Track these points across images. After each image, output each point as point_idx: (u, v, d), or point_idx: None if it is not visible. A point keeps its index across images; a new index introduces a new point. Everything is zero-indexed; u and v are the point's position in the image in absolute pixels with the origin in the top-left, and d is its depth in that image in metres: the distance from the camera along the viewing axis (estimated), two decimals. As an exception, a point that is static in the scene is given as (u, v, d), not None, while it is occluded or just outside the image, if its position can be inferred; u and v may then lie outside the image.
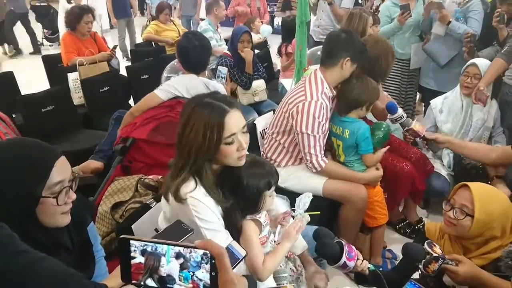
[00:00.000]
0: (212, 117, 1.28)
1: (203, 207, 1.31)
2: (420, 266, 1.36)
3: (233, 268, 0.99)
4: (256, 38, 4.79)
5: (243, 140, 1.34)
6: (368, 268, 1.40)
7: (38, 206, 1.03)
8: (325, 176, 2.21)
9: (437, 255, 1.36)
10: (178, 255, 0.67)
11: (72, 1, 5.08)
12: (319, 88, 2.14)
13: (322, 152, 2.16)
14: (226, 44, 4.23)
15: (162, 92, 2.24)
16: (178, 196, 1.32)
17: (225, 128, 1.29)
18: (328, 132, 2.24)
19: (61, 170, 1.06)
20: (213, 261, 0.65)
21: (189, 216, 1.31)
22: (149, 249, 0.67)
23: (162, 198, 1.45)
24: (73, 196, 1.11)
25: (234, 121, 1.31)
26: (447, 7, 3.36)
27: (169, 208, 1.40)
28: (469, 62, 2.74)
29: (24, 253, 0.86)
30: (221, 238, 1.34)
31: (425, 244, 1.39)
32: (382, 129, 2.28)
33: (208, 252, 0.65)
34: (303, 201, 1.57)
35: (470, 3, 3.31)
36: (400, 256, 2.47)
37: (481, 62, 2.70)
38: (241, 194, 1.38)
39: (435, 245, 1.40)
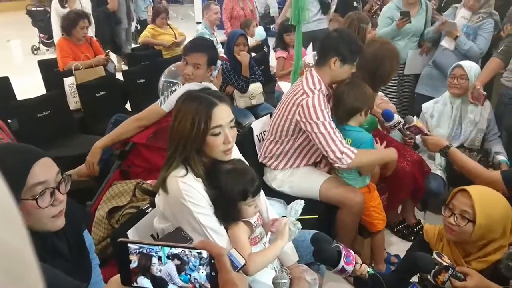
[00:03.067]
0: (200, 108, 1.35)
1: (194, 192, 1.34)
2: (430, 277, 1.34)
3: None
4: (252, 41, 4.79)
5: (229, 134, 1.38)
6: (368, 272, 1.39)
7: (21, 210, 1.00)
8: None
9: (447, 264, 1.34)
10: (175, 257, 0.66)
11: (66, 5, 5.06)
12: (316, 85, 2.14)
13: (344, 142, 2.02)
14: (222, 48, 4.23)
15: (167, 106, 2.19)
16: (165, 184, 1.36)
17: (212, 119, 1.34)
18: None
19: (42, 171, 1.03)
20: (212, 261, 0.65)
21: (180, 202, 1.33)
22: (145, 251, 0.67)
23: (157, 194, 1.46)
24: (61, 197, 1.07)
25: (222, 113, 1.37)
26: (456, 21, 3.37)
27: (162, 199, 1.41)
28: (454, 64, 2.75)
29: None
30: (215, 223, 1.36)
31: (434, 254, 1.38)
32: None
33: (207, 252, 0.65)
34: (295, 209, 1.56)
35: (484, 22, 3.30)
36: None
37: (466, 64, 2.71)
38: (217, 200, 1.38)
39: (444, 255, 1.39)
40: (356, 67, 2.20)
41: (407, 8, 3.60)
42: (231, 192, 1.35)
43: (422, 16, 3.63)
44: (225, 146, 1.38)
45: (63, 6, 5.00)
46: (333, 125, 2.05)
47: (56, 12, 5.04)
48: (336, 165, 2.03)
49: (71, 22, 3.74)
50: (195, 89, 1.51)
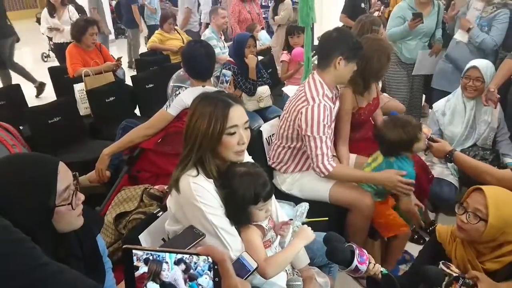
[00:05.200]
0: (217, 108, 1.38)
1: (205, 192, 1.35)
2: None
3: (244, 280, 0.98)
4: (259, 45, 4.81)
5: (244, 135, 1.42)
6: (381, 272, 1.38)
7: (54, 216, 1.04)
8: (335, 180, 2.17)
9: (456, 274, 1.32)
10: (180, 262, 0.67)
11: (54, 15, 5.19)
12: (319, 90, 2.12)
13: (330, 154, 2.10)
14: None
15: (173, 109, 2.21)
16: (178, 184, 1.37)
17: (229, 119, 1.37)
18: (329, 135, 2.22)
19: (65, 176, 1.08)
20: (215, 267, 0.65)
21: (191, 202, 1.34)
22: (151, 258, 0.67)
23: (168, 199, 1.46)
24: (82, 196, 1.13)
25: (237, 114, 1.40)
26: (469, 13, 3.31)
27: (173, 201, 1.42)
28: (469, 65, 2.68)
29: (46, 265, 0.87)
30: (227, 224, 1.36)
31: (441, 264, 1.36)
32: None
33: (210, 258, 0.65)
34: (300, 212, 1.56)
35: (498, 12, 3.22)
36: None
37: (482, 64, 2.64)
38: (229, 203, 1.38)
39: (450, 265, 1.37)
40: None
41: (419, 7, 3.57)
42: (243, 196, 1.35)
43: (434, 17, 3.59)
44: (239, 146, 1.41)
45: (51, 16, 5.15)
46: (324, 139, 2.06)
47: (46, 21, 5.20)
48: (316, 168, 2.10)
49: (81, 29, 3.79)
50: (208, 91, 1.52)
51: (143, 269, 0.68)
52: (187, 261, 0.66)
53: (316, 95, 2.11)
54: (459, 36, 3.38)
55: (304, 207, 1.62)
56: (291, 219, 1.61)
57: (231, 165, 1.45)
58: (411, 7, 3.60)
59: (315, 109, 2.05)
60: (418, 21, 3.45)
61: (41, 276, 0.84)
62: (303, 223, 1.58)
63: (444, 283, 1.31)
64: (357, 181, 2.20)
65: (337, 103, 2.30)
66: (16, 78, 4.41)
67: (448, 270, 1.33)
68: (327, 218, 1.77)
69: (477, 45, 3.24)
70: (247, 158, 1.63)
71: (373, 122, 2.78)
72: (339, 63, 2.10)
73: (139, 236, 1.53)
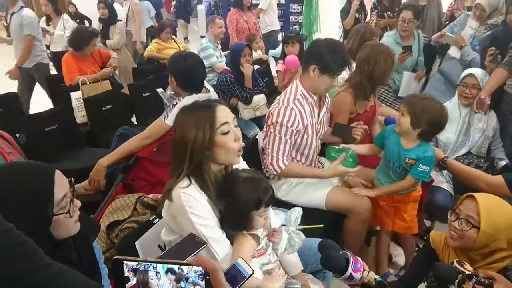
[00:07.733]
0: (200, 112, 1.35)
1: (195, 202, 1.33)
2: (453, 287, 1.32)
3: (239, 287, 0.99)
4: (256, 54, 4.85)
5: (237, 131, 1.39)
6: (375, 279, 1.38)
7: (52, 224, 1.04)
8: (286, 177, 2.23)
9: (470, 272, 1.32)
10: (172, 273, 0.67)
11: (50, 23, 5.25)
12: (292, 94, 2.15)
13: (284, 157, 2.15)
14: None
15: (170, 120, 2.21)
16: (170, 194, 1.35)
17: (217, 118, 1.35)
18: (306, 140, 2.23)
19: (61, 184, 1.07)
20: (207, 277, 0.65)
21: (182, 212, 1.33)
22: (141, 268, 0.67)
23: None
24: (78, 203, 1.13)
25: (224, 112, 1.38)
26: (464, 31, 3.41)
27: (166, 211, 1.41)
28: (466, 72, 2.72)
29: (48, 266, 0.88)
30: (217, 234, 1.35)
31: (455, 262, 1.36)
32: (349, 154, 2.14)
33: (202, 268, 0.65)
34: (294, 217, 1.55)
35: (490, 33, 3.30)
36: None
37: (479, 72, 2.69)
38: (229, 208, 1.38)
39: (465, 263, 1.37)
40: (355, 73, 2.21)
41: (403, 40, 3.65)
42: (246, 200, 1.35)
43: (416, 46, 3.69)
44: (237, 144, 1.38)
45: (48, 24, 5.22)
46: (284, 141, 2.11)
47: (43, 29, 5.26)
48: (269, 166, 2.16)
49: (85, 39, 3.82)
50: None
51: (134, 280, 0.68)
52: (178, 271, 0.67)
53: (287, 98, 2.14)
54: (452, 52, 3.46)
55: (298, 212, 1.61)
56: (284, 225, 1.61)
57: (233, 171, 1.45)
58: (397, 41, 3.67)
59: (281, 111, 2.09)
60: (408, 54, 3.53)
61: (44, 277, 0.85)
62: (298, 230, 1.59)
63: (457, 280, 1.31)
64: (303, 176, 2.24)
65: (324, 109, 2.32)
66: (13, 86, 4.41)
67: (461, 268, 1.33)
68: (322, 225, 1.78)
69: (467, 62, 3.31)
70: (242, 164, 1.64)
71: (368, 132, 2.80)
72: (313, 71, 2.10)
73: (135, 243, 1.53)
